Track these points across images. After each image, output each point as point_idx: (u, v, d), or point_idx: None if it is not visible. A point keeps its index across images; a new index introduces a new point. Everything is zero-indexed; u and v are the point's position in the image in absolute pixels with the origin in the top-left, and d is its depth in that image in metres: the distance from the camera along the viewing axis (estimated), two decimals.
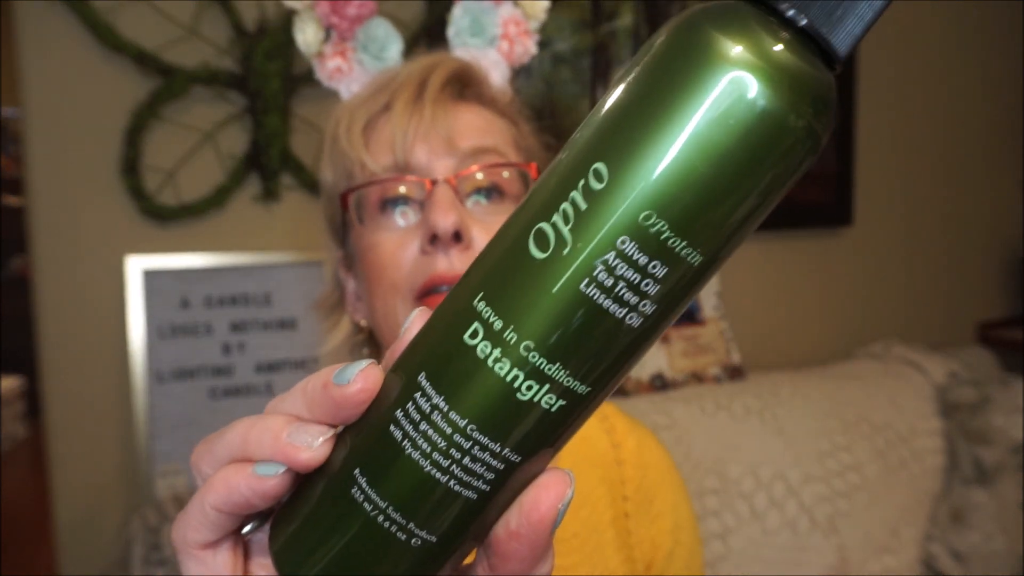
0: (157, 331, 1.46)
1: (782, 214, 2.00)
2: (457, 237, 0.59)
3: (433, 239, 0.59)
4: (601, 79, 1.77)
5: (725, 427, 1.62)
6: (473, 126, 0.63)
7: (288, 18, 1.49)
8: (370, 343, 0.71)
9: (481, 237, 0.60)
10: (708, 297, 1.84)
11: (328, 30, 0.73)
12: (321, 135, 1.55)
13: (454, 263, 0.59)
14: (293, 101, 1.52)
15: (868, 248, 2.14)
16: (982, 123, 2.29)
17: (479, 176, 0.62)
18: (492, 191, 0.62)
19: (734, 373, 1.81)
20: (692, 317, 1.82)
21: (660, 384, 1.73)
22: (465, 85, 0.66)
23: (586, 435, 0.77)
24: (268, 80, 1.48)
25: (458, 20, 0.74)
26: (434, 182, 0.61)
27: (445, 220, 0.58)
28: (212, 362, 1.49)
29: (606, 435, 0.78)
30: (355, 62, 0.73)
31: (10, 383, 4.09)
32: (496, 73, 0.72)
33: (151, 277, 1.45)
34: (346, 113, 0.66)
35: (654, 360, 1.75)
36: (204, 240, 1.50)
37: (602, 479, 0.75)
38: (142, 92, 1.42)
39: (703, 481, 1.55)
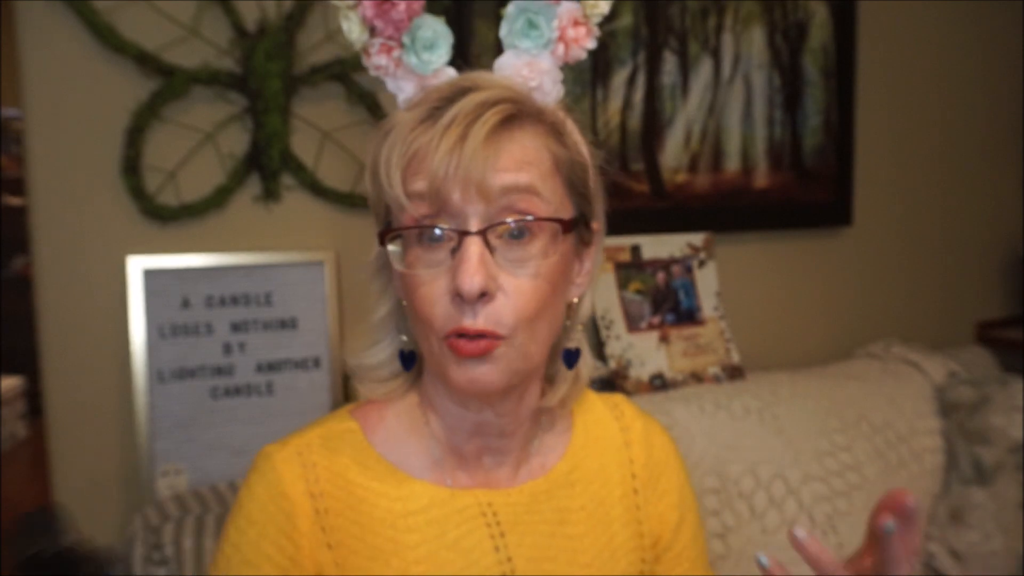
0: (158, 331, 1.46)
1: (782, 214, 2.00)
2: (482, 295, 0.63)
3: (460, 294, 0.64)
4: (601, 79, 1.77)
5: (725, 427, 1.63)
6: (513, 159, 0.65)
7: (289, 18, 1.49)
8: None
9: (508, 283, 0.65)
10: (708, 297, 1.84)
11: (373, 27, 0.71)
12: (321, 135, 1.55)
13: (478, 317, 0.64)
14: (293, 101, 1.53)
15: (868, 248, 2.15)
16: (982, 123, 2.29)
17: (509, 222, 0.65)
18: (522, 231, 0.65)
19: (734, 373, 1.81)
20: (692, 317, 1.82)
21: (660, 384, 1.73)
22: (516, 116, 0.66)
23: (598, 418, 0.83)
24: (268, 80, 1.48)
25: (512, 19, 0.70)
26: (465, 233, 0.64)
27: (471, 283, 0.62)
28: (213, 362, 1.49)
29: (615, 420, 0.83)
30: (401, 61, 0.71)
31: (11, 382, 4.09)
32: (548, 80, 0.70)
33: (152, 277, 1.45)
34: (391, 141, 0.67)
35: (654, 360, 1.75)
36: (205, 240, 1.50)
37: (612, 458, 0.81)
38: (143, 92, 1.43)
39: (703, 481, 1.56)
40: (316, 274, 1.55)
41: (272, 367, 1.52)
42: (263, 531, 0.69)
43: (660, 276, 1.81)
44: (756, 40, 1.92)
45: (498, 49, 0.72)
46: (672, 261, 1.82)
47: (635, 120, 1.81)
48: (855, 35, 2.02)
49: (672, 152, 1.86)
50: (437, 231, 0.65)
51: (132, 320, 1.44)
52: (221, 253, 1.50)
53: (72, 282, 1.44)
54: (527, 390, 0.73)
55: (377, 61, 0.71)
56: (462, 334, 0.64)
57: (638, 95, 1.81)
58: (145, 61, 1.42)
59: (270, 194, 1.53)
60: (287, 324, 1.53)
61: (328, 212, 1.57)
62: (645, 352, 1.75)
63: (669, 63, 1.83)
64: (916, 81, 2.17)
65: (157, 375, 1.46)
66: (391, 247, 0.68)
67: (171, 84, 1.43)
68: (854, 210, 2.08)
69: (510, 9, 0.70)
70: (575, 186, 0.69)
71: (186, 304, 1.48)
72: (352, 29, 0.71)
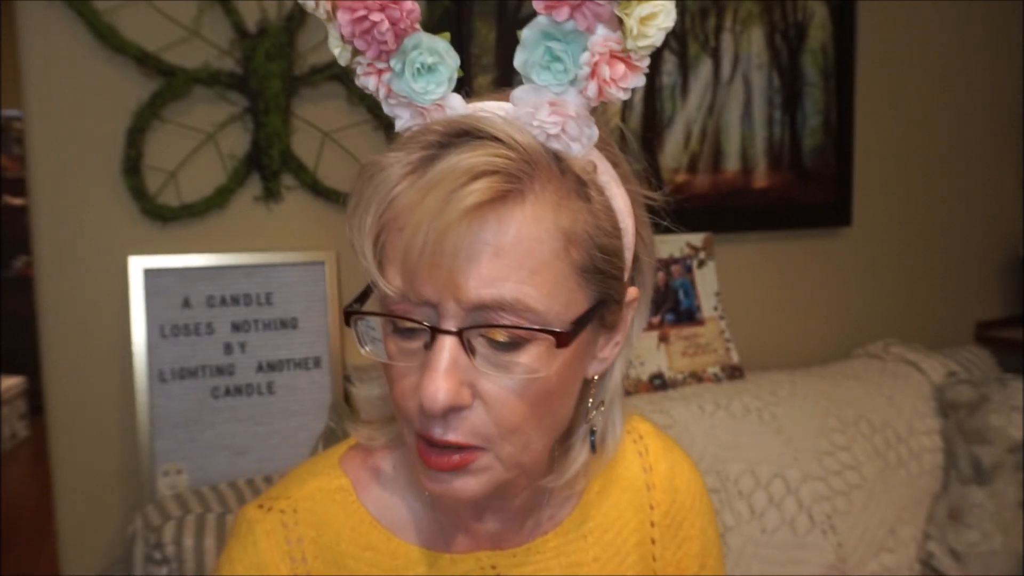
0: (159, 330, 1.46)
1: (782, 214, 2.00)
2: (451, 408, 0.54)
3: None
4: None
5: (724, 426, 1.63)
6: (497, 265, 0.52)
7: (289, 19, 1.50)
8: None
9: (490, 391, 0.55)
10: (707, 297, 1.84)
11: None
12: (322, 136, 1.56)
13: (448, 430, 0.55)
14: (294, 102, 1.53)
15: (867, 248, 2.15)
16: (982, 123, 2.29)
17: (492, 328, 0.54)
18: (512, 340, 0.54)
19: (733, 372, 1.81)
20: (692, 317, 1.82)
21: (659, 383, 1.74)
22: (512, 189, 0.53)
23: (619, 456, 0.75)
24: (269, 81, 1.48)
25: (530, 47, 0.54)
26: (437, 331, 0.54)
27: (432, 400, 0.53)
28: (213, 361, 1.49)
29: (638, 457, 0.76)
30: (391, 87, 0.57)
31: (11, 382, 4.10)
32: (573, 125, 0.55)
33: (153, 276, 1.46)
34: (370, 191, 0.55)
35: (653, 359, 1.75)
36: (205, 240, 1.50)
37: (630, 502, 0.75)
38: (144, 93, 1.43)
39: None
40: (316, 274, 1.55)
41: (273, 367, 1.52)
42: None
43: (660, 276, 1.81)
44: (756, 40, 1.92)
45: (499, 50, 0.65)
46: (672, 261, 1.83)
47: (635, 120, 1.82)
48: (855, 35, 2.02)
49: (672, 152, 1.86)
50: (411, 324, 0.55)
51: (133, 320, 1.44)
52: (222, 253, 1.50)
53: (73, 282, 1.44)
54: (529, 471, 0.64)
55: (365, 83, 0.57)
56: (432, 443, 0.56)
57: (638, 95, 1.81)
58: (146, 61, 1.42)
59: (271, 194, 1.54)
60: (287, 324, 1.54)
61: (328, 212, 1.58)
62: (645, 352, 1.75)
63: (669, 63, 1.84)
64: (915, 81, 2.17)
65: (158, 375, 1.46)
66: (369, 320, 0.58)
67: (172, 84, 1.44)
68: (853, 210, 2.08)
69: (526, 34, 0.54)
70: (595, 265, 0.57)
71: (187, 304, 1.48)
72: (334, 44, 0.57)
